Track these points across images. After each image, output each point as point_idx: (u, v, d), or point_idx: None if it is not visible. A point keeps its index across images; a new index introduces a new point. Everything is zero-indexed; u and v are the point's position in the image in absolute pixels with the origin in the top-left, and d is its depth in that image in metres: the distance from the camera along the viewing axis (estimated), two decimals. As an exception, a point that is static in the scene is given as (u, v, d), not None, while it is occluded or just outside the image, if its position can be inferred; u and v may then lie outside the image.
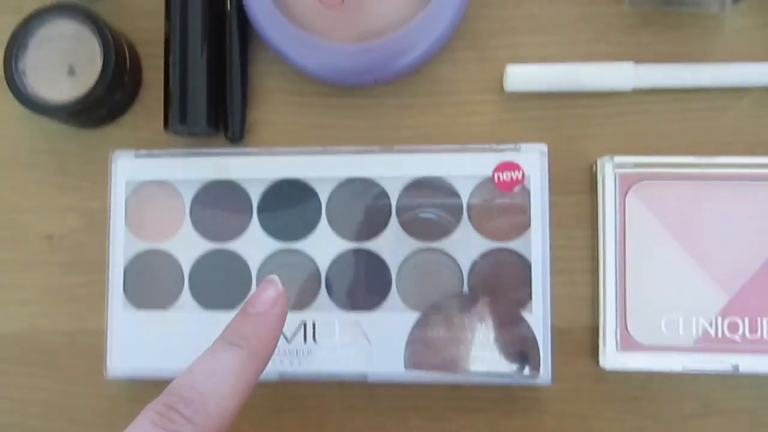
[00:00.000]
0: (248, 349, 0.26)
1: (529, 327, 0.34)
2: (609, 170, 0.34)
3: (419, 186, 0.35)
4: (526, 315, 0.34)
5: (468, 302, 0.34)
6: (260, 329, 0.27)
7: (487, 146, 0.35)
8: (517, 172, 0.35)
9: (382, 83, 0.37)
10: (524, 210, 0.35)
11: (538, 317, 0.34)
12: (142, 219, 0.36)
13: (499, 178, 0.35)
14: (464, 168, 0.35)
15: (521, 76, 0.35)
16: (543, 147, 0.35)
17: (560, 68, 0.35)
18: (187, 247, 0.36)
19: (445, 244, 0.35)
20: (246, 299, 0.28)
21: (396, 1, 0.35)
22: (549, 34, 0.37)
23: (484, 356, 0.34)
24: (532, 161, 0.35)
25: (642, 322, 0.34)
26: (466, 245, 0.35)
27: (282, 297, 0.28)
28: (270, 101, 0.38)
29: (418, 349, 0.34)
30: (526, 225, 0.35)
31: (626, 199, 0.34)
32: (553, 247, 0.35)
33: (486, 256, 0.35)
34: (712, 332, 0.33)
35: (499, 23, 0.37)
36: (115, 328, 0.36)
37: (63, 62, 0.35)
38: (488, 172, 0.35)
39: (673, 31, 0.36)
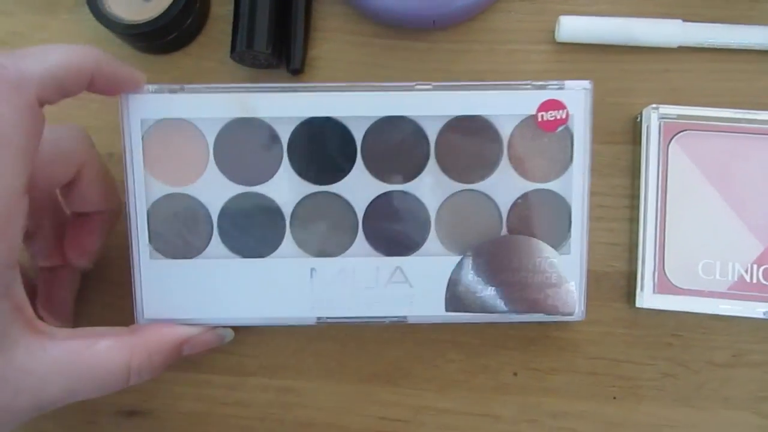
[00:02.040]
0: (82, 48, 0.29)
1: (565, 265, 0.34)
2: (654, 119, 0.36)
3: (459, 125, 0.34)
4: (563, 254, 0.34)
5: (507, 244, 0.35)
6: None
7: (529, 83, 0.34)
8: (561, 111, 0.34)
9: (439, 26, 0.38)
10: (566, 150, 0.34)
11: (575, 256, 0.34)
12: (162, 160, 0.34)
13: (542, 117, 0.34)
14: (506, 107, 0.34)
15: (573, 27, 0.37)
16: (587, 83, 0.34)
17: (611, 21, 0.37)
18: (214, 190, 0.35)
19: (484, 185, 0.35)
20: None
21: (459, -54, 0.36)
22: (601, -9, 0.38)
23: (521, 296, 0.34)
24: (577, 100, 0.34)
25: (679, 266, 0.35)
26: (506, 186, 0.34)
27: None
28: (331, 39, 0.39)
29: (458, 291, 0.34)
30: (566, 165, 0.34)
31: (669, 148, 0.36)
32: (594, 195, 0.37)
33: (525, 197, 0.35)
34: (747, 278, 0.35)
35: (553, -22, 0.39)
36: (145, 277, 0.34)
37: (141, -14, 0.37)
38: (531, 111, 0.34)
39: (722, -7, 0.38)
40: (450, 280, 0.34)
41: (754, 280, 0.34)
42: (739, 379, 0.36)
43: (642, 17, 0.37)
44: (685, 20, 0.37)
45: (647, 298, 0.35)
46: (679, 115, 0.36)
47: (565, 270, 0.34)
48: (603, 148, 0.37)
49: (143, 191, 0.34)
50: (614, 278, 0.37)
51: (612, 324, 0.37)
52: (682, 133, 0.36)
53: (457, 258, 0.34)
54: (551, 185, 0.35)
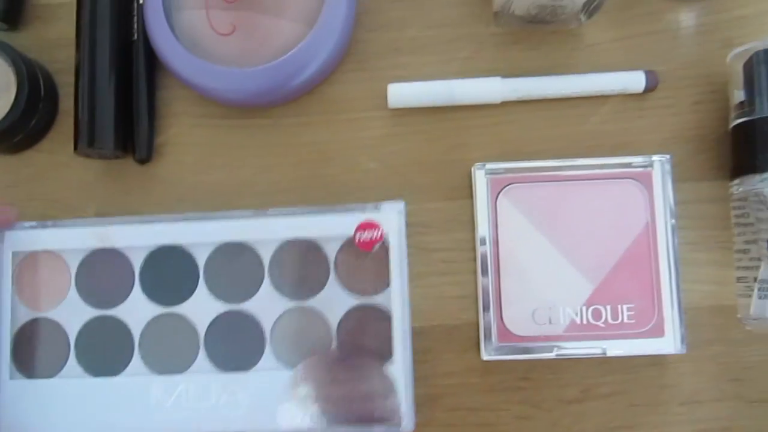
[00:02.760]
0: None
1: (391, 378, 0.36)
2: (481, 176, 0.38)
3: (290, 247, 0.38)
4: (389, 364, 0.36)
5: (337, 358, 0.37)
6: None
7: (350, 206, 0.38)
8: (376, 231, 0.37)
9: (277, 104, 0.40)
10: (385, 266, 0.37)
11: (398, 367, 0.36)
12: (29, 288, 0.38)
13: (360, 238, 0.37)
14: (329, 229, 0.37)
15: (401, 94, 0.39)
16: (400, 205, 0.37)
17: (435, 85, 0.39)
18: (73, 314, 0.38)
19: (314, 301, 0.37)
20: None
21: (282, 26, 0.38)
22: (429, 54, 0.40)
23: (351, 408, 0.36)
24: (390, 220, 0.37)
25: (516, 314, 0.37)
26: (334, 302, 0.37)
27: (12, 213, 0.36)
28: (177, 124, 0.41)
29: (293, 406, 0.36)
30: (387, 280, 0.37)
31: (498, 201, 0.37)
32: (439, 250, 0.39)
33: (352, 311, 0.37)
34: (578, 320, 0.36)
35: (384, 45, 0.40)
36: (5, 398, 0.37)
37: (-18, 92, 0.39)
38: (351, 231, 0.37)
39: (539, 47, 0.40)
40: (284, 395, 0.36)
41: (585, 321, 0.36)
42: (589, 412, 0.38)
43: (468, 77, 0.39)
44: (507, 76, 0.39)
45: (490, 349, 0.37)
46: (505, 169, 0.38)
47: (392, 381, 0.36)
48: (444, 204, 0.39)
49: (8, 317, 0.38)
50: (464, 330, 0.38)
51: (466, 375, 0.38)
52: (508, 187, 0.37)
53: (291, 372, 0.36)
54: (376, 299, 0.37)
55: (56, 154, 0.41)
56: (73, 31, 0.39)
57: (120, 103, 0.39)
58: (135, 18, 0.40)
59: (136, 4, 0.40)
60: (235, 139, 0.40)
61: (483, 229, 0.37)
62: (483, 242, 0.37)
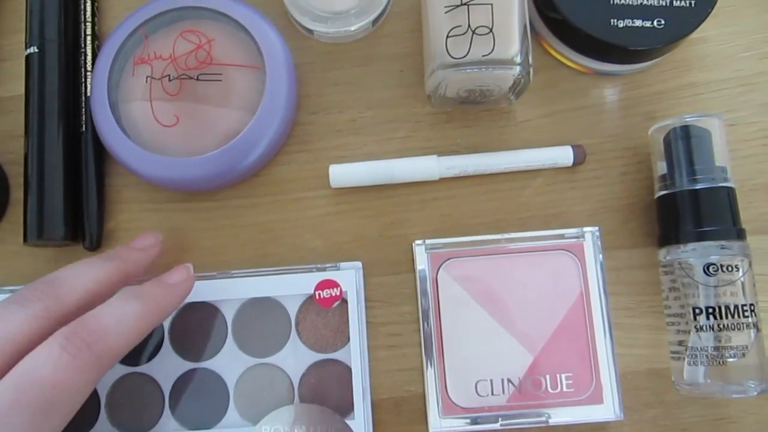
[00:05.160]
0: (152, 306, 0.33)
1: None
2: (421, 251, 0.39)
3: (252, 306, 0.40)
4: (349, 420, 0.37)
5: (299, 413, 0.38)
6: (167, 296, 0.34)
7: (309, 266, 0.39)
8: (335, 289, 0.39)
9: (224, 187, 0.41)
10: (345, 322, 0.39)
11: (359, 422, 0.37)
12: None
13: (319, 295, 0.39)
14: (289, 288, 0.39)
15: (342, 174, 0.40)
16: (358, 264, 0.39)
17: (375, 165, 0.40)
18: None
19: (276, 358, 0.39)
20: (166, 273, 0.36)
21: (225, 115, 0.39)
22: (368, 135, 0.42)
23: None
24: (349, 278, 0.39)
25: (460, 386, 0.38)
26: (295, 359, 0.39)
27: (191, 280, 0.36)
28: (126, 210, 0.42)
29: None
30: (347, 336, 0.39)
31: (438, 276, 0.39)
32: (385, 324, 0.40)
33: (314, 367, 0.39)
34: (520, 390, 0.37)
35: (325, 128, 0.42)
36: None
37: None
38: (311, 290, 0.39)
39: (473, 124, 0.41)
40: None
41: (526, 391, 0.37)
42: (538, 480, 0.38)
43: (406, 155, 0.41)
44: (443, 154, 0.40)
45: (435, 421, 0.37)
46: (444, 245, 0.39)
47: (353, 432, 0.37)
48: (388, 279, 0.40)
49: None
50: (412, 402, 0.39)
51: (414, 447, 0.39)
52: (448, 261, 0.39)
53: (254, 428, 0.37)
54: (336, 355, 0.39)
55: (7, 245, 0.42)
56: (23, 122, 0.41)
57: (69, 192, 0.40)
58: (83, 110, 0.41)
59: (83, 97, 0.41)
60: (183, 223, 0.42)
61: (425, 302, 0.38)
62: (425, 316, 0.38)
